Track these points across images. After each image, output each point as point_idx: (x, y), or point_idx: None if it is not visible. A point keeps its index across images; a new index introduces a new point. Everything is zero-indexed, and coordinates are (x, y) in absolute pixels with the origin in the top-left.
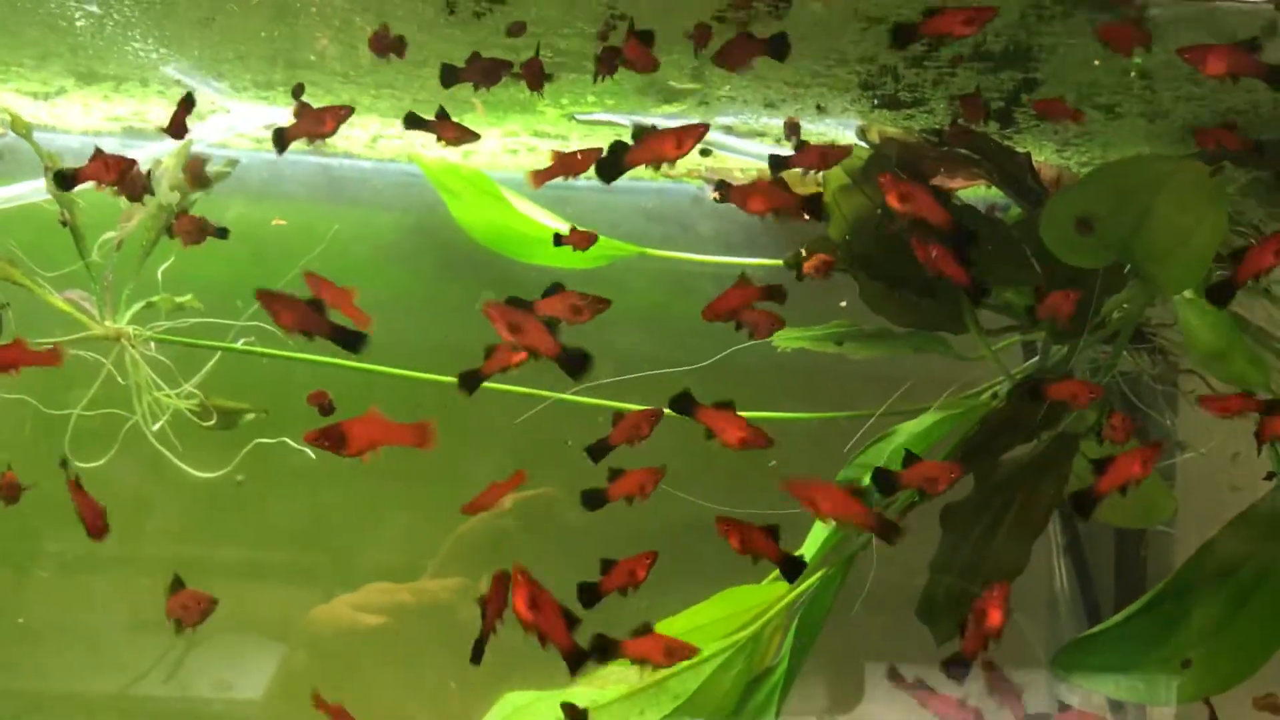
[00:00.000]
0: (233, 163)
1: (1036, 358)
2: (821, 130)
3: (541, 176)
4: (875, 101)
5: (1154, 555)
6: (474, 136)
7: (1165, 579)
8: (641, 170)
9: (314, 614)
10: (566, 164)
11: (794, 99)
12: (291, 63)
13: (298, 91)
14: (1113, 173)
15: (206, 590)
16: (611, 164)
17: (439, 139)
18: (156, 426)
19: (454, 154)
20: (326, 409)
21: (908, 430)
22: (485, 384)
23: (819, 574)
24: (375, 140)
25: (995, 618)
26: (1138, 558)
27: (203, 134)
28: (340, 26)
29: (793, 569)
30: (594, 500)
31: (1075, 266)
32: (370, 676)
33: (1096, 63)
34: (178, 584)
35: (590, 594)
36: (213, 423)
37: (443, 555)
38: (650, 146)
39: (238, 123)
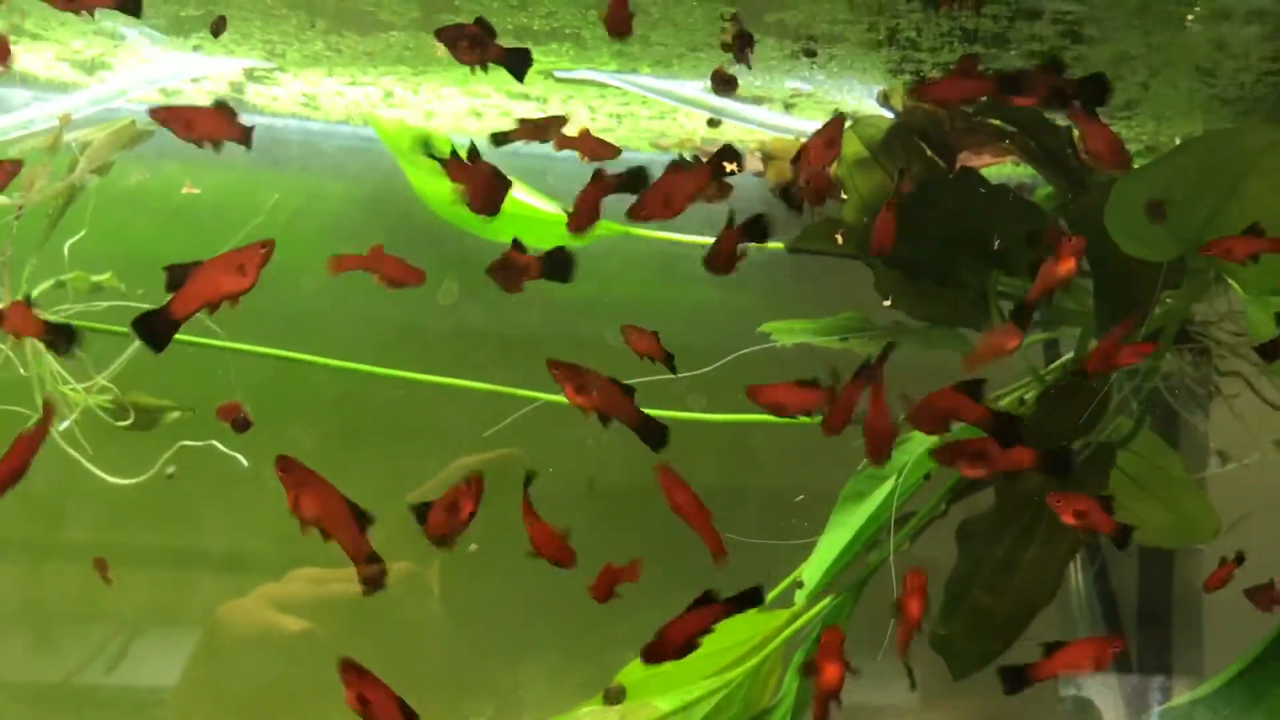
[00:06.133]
0: None
1: (1066, 357)
2: (836, 99)
3: None
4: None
5: (1181, 571)
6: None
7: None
8: (633, 139)
9: (222, 612)
10: None
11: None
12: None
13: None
14: (1197, 148)
15: None
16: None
17: None
18: (64, 426)
19: (414, 115)
20: (241, 424)
21: (924, 437)
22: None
23: (825, 601)
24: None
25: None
26: (1166, 575)
27: (120, 84)
28: None
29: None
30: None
31: (1129, 258)
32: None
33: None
34: None
35: None
36: (129, 422)
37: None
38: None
39: (162, 75)
